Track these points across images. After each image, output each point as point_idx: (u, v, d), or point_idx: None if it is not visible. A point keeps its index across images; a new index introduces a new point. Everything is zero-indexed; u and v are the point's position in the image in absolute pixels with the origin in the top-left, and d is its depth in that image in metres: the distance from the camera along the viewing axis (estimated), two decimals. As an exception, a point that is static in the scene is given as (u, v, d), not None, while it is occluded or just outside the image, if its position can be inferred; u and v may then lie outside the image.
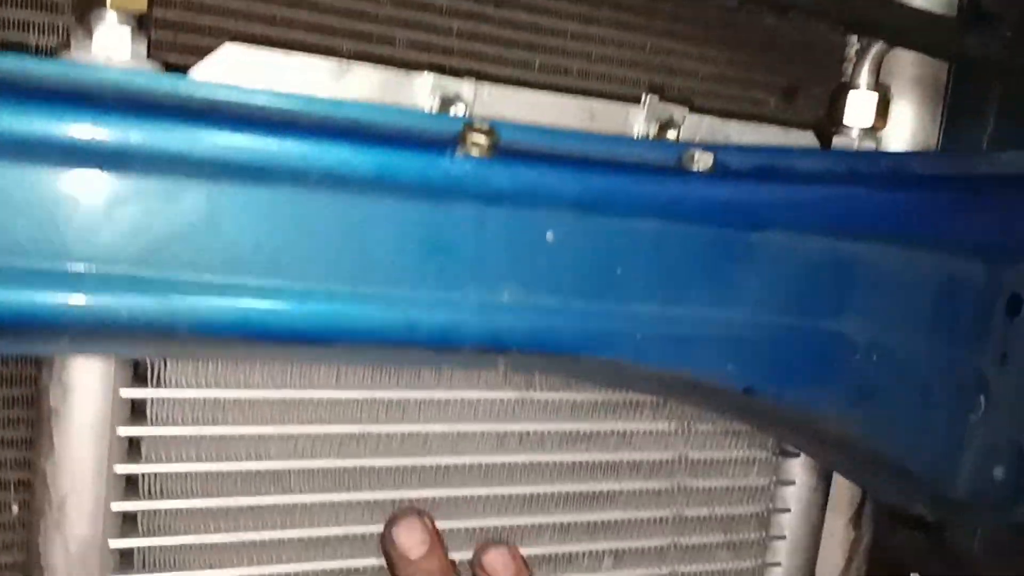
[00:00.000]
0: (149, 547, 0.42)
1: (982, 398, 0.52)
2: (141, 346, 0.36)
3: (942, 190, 0.49)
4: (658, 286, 0.42)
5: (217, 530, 0.43)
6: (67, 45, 0.36)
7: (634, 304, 0.42)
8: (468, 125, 0.37)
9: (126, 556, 0.42)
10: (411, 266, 0.38)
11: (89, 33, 0.35)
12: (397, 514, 0.45)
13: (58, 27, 0.39)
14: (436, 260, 0.38)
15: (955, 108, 0.55)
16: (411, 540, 0.43)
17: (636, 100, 0.46)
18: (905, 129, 0.53)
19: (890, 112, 0.52)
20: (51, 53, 0.37)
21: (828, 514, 0.61)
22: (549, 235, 0.40)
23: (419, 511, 0.45)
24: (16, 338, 0.35)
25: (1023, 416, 0.48)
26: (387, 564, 0.44)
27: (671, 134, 0.46)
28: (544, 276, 0.40)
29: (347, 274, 0.37)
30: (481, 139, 0.36)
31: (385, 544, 0.44)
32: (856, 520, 0.63)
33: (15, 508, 0.44)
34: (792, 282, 0.45)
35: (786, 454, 0.55)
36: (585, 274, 0.41)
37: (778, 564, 0.56)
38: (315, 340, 0.37)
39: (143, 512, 0.41)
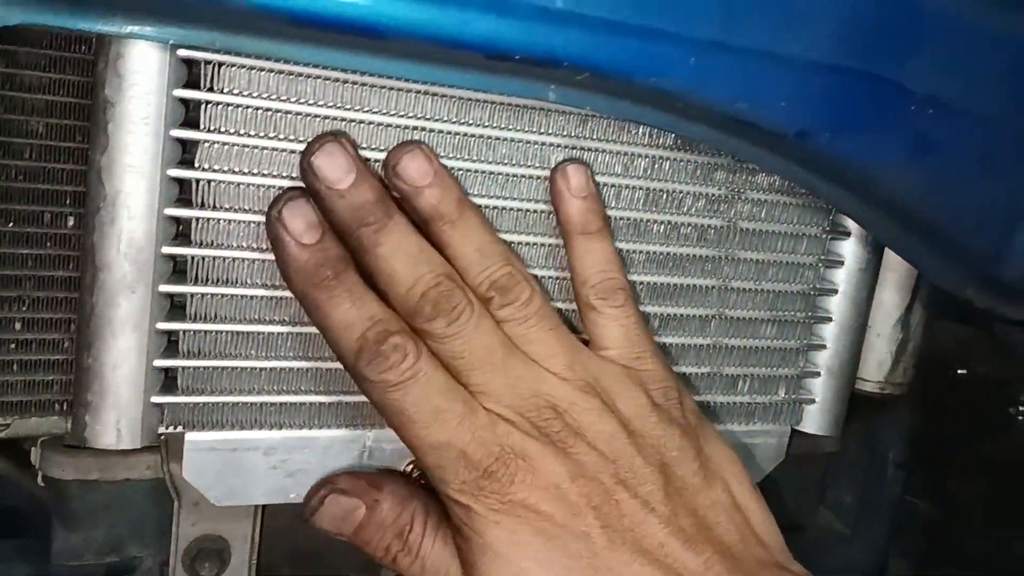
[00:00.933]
0: (202, 257, 0.42)
1: (1044, 172, 0.50)
2: (194, 27, 0.37)
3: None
4: (715, 11, 0.41)
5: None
6: None
7: (690, 27, 0.41)
8: None
9: (179, 267, 0.43)
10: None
11: None
12: (312, 142, 0.41)
13: None
14: (490, -44, 0.37)
15: None
16: (335, 169, 0.40)
17: None
18: None
19: None
20: None
21: (875, 313, 0.60)
22: (606, -61, 0.39)
23: (336, 134, 0.41)
24: (73, 10, 0.35)
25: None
26: (315, 202, 0.40)
27: None
28: (600, -15, 0.39)
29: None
30: None
31: (307, 177, 0.40)
32: (905, 320, 0.62)
33: (71, 220, 0.45)
34: (852, 23, 0.44)
35: (837, 233, 0.54)
36: (642, -12, 0.40)
37: (823, 347, 0.56)
38: (366, 31, 0.37)
39: (196, 220, 0.42)
